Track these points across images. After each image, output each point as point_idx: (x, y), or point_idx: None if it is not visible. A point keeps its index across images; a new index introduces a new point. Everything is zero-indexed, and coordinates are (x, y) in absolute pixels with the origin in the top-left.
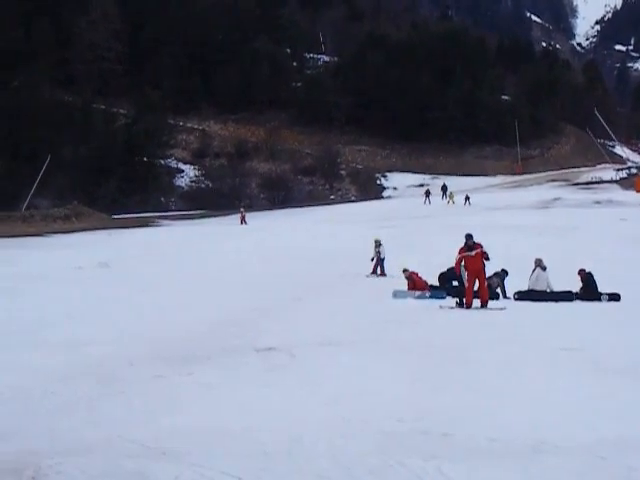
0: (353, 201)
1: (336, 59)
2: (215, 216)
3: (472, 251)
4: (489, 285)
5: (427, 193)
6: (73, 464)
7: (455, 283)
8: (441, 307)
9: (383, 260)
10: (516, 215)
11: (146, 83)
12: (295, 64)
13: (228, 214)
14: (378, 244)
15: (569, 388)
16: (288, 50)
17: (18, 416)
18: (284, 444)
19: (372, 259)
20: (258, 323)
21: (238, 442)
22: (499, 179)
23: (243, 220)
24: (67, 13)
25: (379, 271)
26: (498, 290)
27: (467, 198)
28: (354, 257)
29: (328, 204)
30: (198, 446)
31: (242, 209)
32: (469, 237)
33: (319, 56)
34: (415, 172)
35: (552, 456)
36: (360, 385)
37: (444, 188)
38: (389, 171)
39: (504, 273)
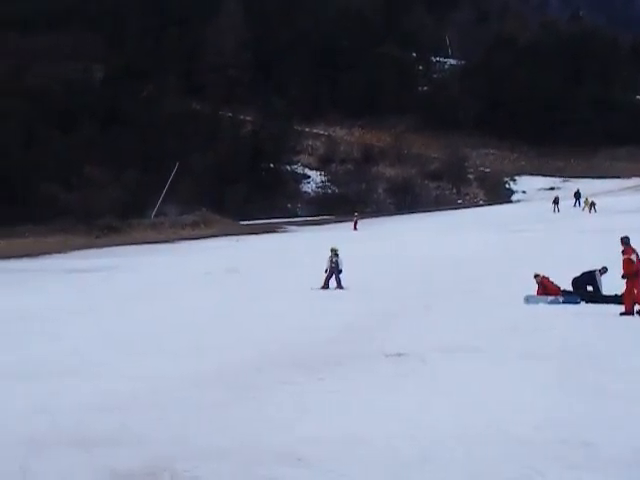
0: (481, 205)
1: (463, 62)
2: (341, 222)
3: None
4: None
5: (556, 201)
6: (207, 469)
7: (590, 288)
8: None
9: (340, 272)
10: None
11: (272, 90)
12: (421, 68)
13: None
14: (334, 254)
15: None
16: (414, 54)
17: (152, 421)
18: (418, 452)
19: (325, 270)
20: (387, 328)
21: (371, 449)
22: (633, 181)
23: (355, 226)
24: (195, 23)
25: (334, 284)
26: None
27: (592, 205)
28: (482, 263)
29: (455, 209)
30: (331, 453)
31: (356, 214)
32: (626, 240)
33: (445, 59)
34: (545, 175)
35: None
36: (493, 392)
37: (577, 195)
38: (518, 175)
39: (604, 270)
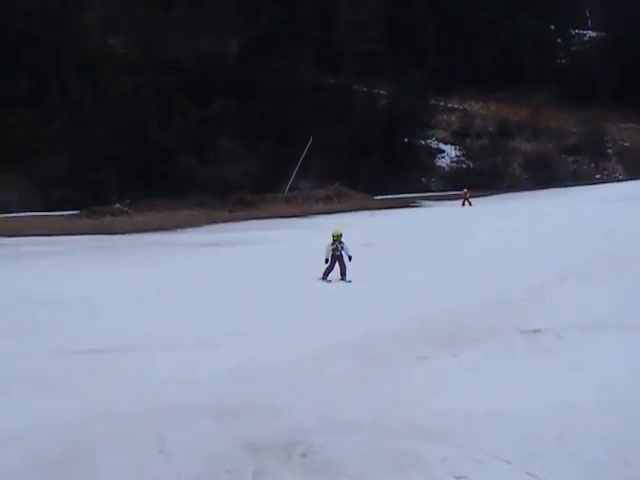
0: (620, 180)
1: (603, 34)
2: (476, 196)
3: None
4: None
5: None
6: (341, 442)
7: None
8: None
9: (350, 259)
10: None
11: (407, 63)
12: (559, 40)
13: (490, 194)
14: (337, 239)
15: None
16: (552, 26)
17: (286, 393)
18: (554, 429)
19: (326, 260)
20: (523, 304)
21: (506, 425)
22: None
23: (466, 201)
24: None
25: (339, 275)
26: None
27: None
28: (622, 238)
29: (594, 183)
30: (466, 428)
31: (465, 190)
32: None
33: (585, 32)
34: None
35: None
36: (630, 370)
37: None
38: None
39: None
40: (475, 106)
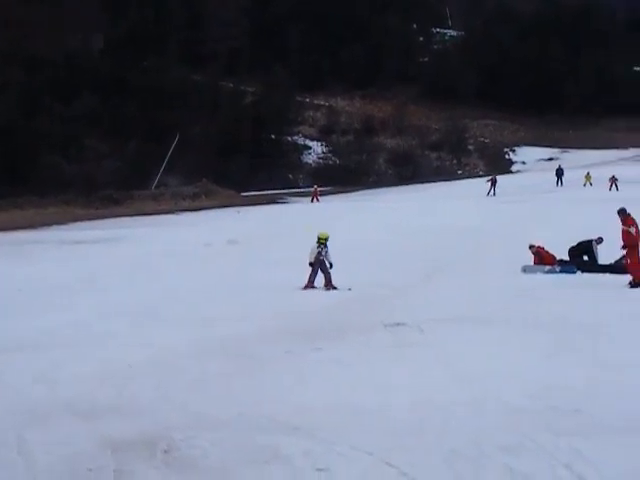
0: (481, 176)
1: (463, 33)
2: (343, 192)
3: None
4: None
5: (493, 181)
6: (205, 438)
7: (586, 258)
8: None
9: (331, 266)
10: None
11: (273, 60)
12: (422, 39)
13: (355, 190)
14: (322, 243)
15: None
16: (415, 25)
17: (151, 391)
18: (415, 421)
19: (310, 264)
20: (386, 299)
21: (368, 418)
22: (631, 152)
23: (315, 197)
24: None
25: (323, 282)
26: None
27: (613, 181)
28: (481, 233)
29: (455, 179)
30: (329, 422)
31: (315, 187)
32: (622, 210)
33: (446, 31)
34: (544, 146)
35: None
36: (490, 361)
37: (559, 172)
38: (517, 145)
39: (600, 240)
40: (341, 103)
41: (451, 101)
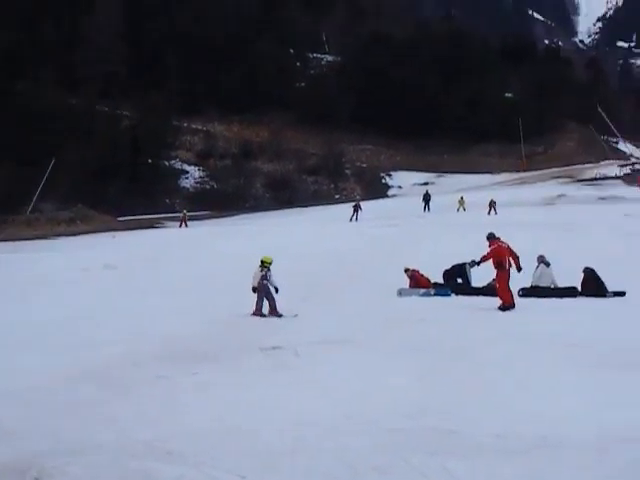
0: (360, 200)
1: (339, 59)
2: (220, 217)
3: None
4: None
5: (356, 208)
6: (78, 464)
7: (460, 280)
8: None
9: (277, 291)
10: (520, 212)
11: (150, 85)
12: (299, 64)
13: (232, 214)
14: (266, 267)
15: (573, 384)
16: (291, 50)
17: (21, 417)
18: (289, 443)
19: (254, 290)
20: (263, 323)
21: (243, 441)
22: (503, 176)
23: (183, 223)
24: (71, 15)
25: (267, 310)
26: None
27: (492, 205)
28: (357, 257)
29: (332, 203)
30: (203, 446)
31: (184, 212)
32: (491, 236)
33: (322, 56)
34: (420, 170)
35: (557, 450)
36: (365, 383)
37: (426, 198)
38: (394, 170)
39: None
40: (218, 127)
41: (328, 126)
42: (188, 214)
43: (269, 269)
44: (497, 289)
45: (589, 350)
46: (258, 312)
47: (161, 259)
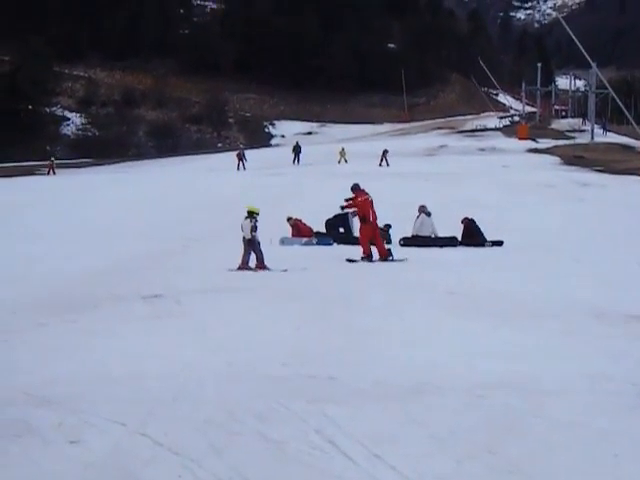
0: (245, 149)
1: (223, 6)
2: (102, 164)
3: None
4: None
5: (239, 156)
6: None
7: (342, 230)
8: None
9: (259, 244)
10: (402, 162)
11: (31, 29)
12: (182, 11)
13: (114, 162)
14: (253, 218)
15: (450, 331)
16: None
17: None
18: (170, 390)
19: (249, 241)
20: (145, 271)
21: (123, 389)
22: (386, 127)
23: (51, 170)
24: None
25: (255, 262)
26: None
27: (384, 155)
28: (239, 205)
29: (215, 152)
30: (82, 393)
31: (52, 159)
32: (357, 186)
33: (206, 3)
34: (303, 120)
35: (433, 396)
36: (246, 331)
37: (296, 150)
38: (277, 119)
39: (388, 227)
40: (100, 74)
41: (212, 74)
42: (64, 161)
43: (257, 219)
44: (359, 239)
45: (467, 298)
46: (245, 265)
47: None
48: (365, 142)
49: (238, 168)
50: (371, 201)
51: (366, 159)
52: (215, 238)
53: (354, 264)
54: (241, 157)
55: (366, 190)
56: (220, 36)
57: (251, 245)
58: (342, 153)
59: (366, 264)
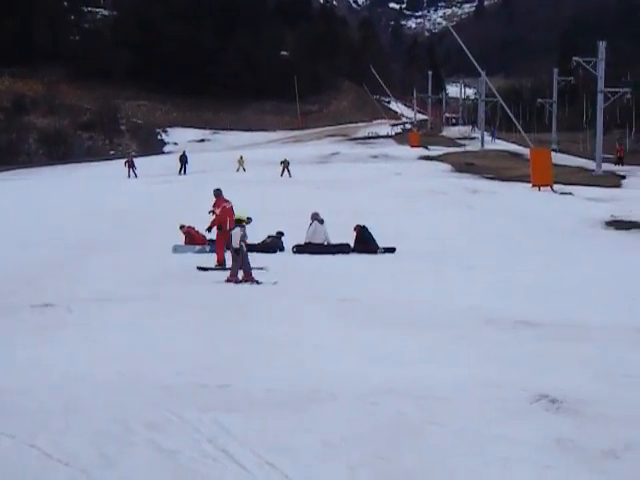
0: (135, 156)
1: (115, 13)
2: None
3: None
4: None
5: (128, 164)
6: None
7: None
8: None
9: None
10: (295, 170)
11: None
12: (73, 17)
13: (4, 170)
14: (243, 226)
15: (344, 338)
16: (65, 3)
17: None
18: (61, 401)
19: (236, 252)
20: (36, 279)
21: (13, 401)
22: (279, 134)
23: None
24: None
25: (240, 275)
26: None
27: (285, 164)
28: (131, 214)
29: (108, 159)
30: None
31: None
32: (219, 192)
33: (97, 9)
34: (196, 127)
35: (326, 403)
36: (139, 340)
37: (183, 159)
38: (170, 126)
39: (280, 235)
40: None
41: (103, 81)
42: None
43: (245, 227)
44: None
45: (359, 305)
46: (233, 277)
47: None
48: (264, 150)
49: (129, 176)
50: (230, 208)
51: (264, 167)
52: (109, 246)
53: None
54: (131, 164)
55: (226, 197)
56: (112, 43)
57: (239, 255)
58: (240, 161)
59: (255, 270)
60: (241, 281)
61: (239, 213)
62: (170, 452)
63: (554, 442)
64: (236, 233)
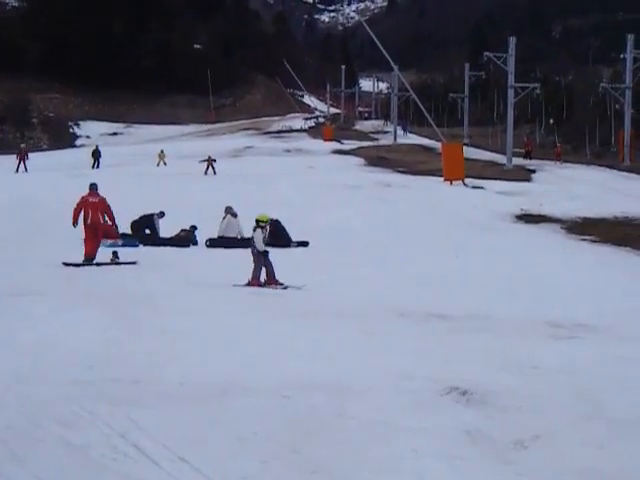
0: (45, 150)
1: (25, 4)
2: None
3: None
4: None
5: (95, 154)
6: None
7: (147, 231)
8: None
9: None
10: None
11: None
12: None
13: None
14: (262, 227)
15: (258, 331)
16: None
17: None
18: None
19: (264, 253)
20: None
21: None
22: (192, 128)
23: None
24: None
25: (264, 277)
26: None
27: (210, 162)
28: (50, 207)
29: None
30: None
31: None
32: (93, 187)
33: (7, 0)
34: (109, 121)
35: (239, 397)
36: (50, 334)
37: (96, 154)
38: (82, 119)
39: (193, 228)
40: None
41: (14, 73)
42: None
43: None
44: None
45: (273, 299)
46: (256, 281)
47: None
48: (179, 143)
49: (17, 170)
50: (92, 202)
51: (183, 160)
52: (19, 240)
53: (157, 264)
54: (22, 157)
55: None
56: (23, 35)
57: (262, 258)
58: (161, 155)
59: (166, 266)
60: (264, 285)
61: (261, 214)
62: (80, 448)
63: (464, 433)
64: (258, 236)
